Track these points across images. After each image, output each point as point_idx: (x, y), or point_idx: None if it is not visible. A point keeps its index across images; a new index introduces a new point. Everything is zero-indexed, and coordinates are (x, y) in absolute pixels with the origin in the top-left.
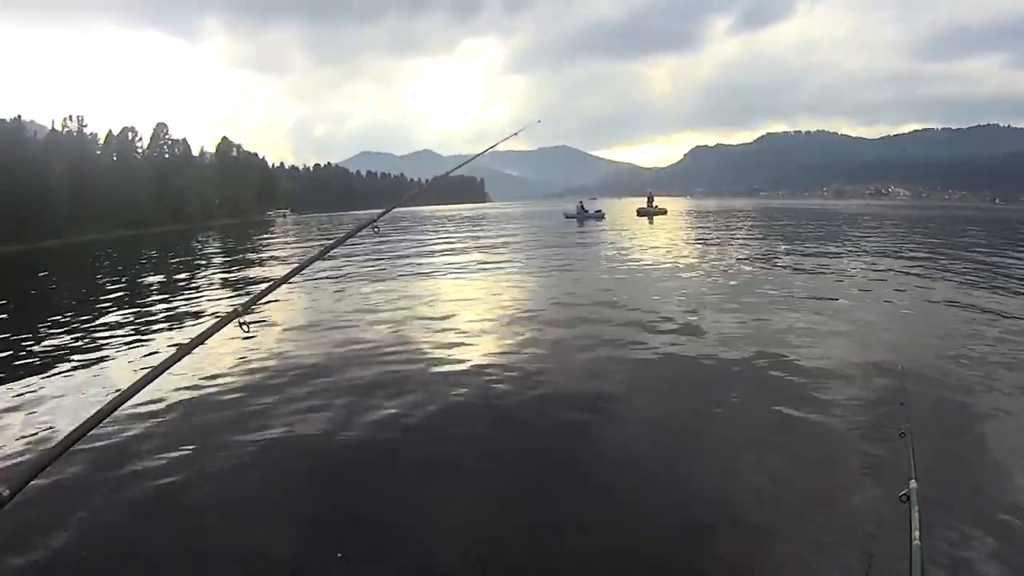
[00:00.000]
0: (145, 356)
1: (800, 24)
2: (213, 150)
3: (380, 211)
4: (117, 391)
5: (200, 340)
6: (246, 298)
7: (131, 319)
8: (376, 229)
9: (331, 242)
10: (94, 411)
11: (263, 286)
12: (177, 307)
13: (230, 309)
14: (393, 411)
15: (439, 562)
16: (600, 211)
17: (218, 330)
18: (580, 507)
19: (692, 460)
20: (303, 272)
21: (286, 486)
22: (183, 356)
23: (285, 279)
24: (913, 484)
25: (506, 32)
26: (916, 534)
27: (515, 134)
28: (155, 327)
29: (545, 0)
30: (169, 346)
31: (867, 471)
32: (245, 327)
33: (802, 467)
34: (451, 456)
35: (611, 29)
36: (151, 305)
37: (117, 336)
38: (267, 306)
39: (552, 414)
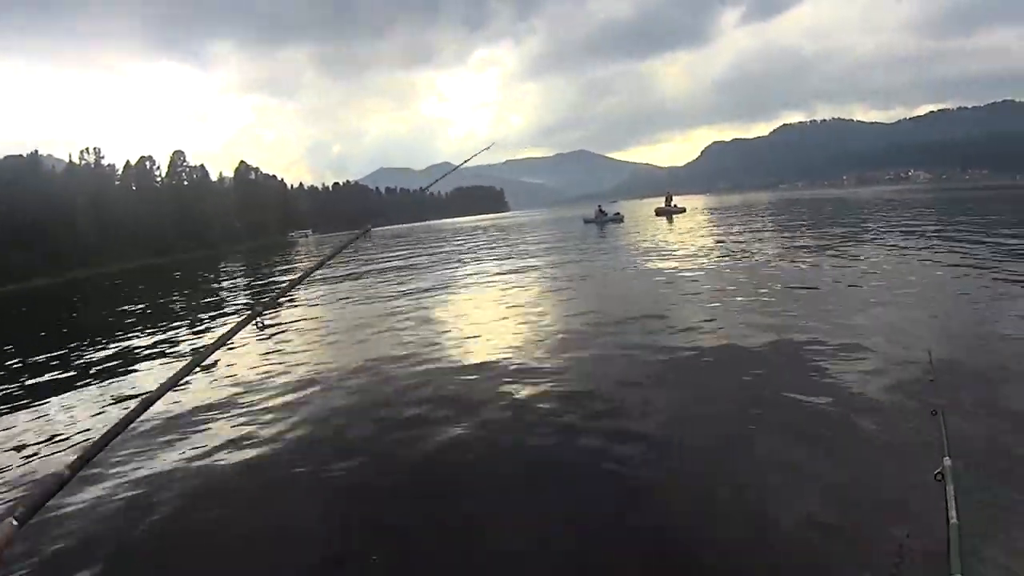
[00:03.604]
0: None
1: (810, 9)
2: (231, 175)
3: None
4: (146, 392)
5: (222, 342)
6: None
7: (161, 339)
8: (369, 238)
9: (330, 252)
10: (123, 414)
11: (280, 287)
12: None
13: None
14: (417, 416)
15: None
16: (619, 213)
17: (238, 331)
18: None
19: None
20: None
21: (313, 490)
22: (208, 356)
23: (296, 282)
24: (947, 462)
25: (518, 39)
26: (952, 512)
27: (483, 151)
28: (184, 343)
29: (555, 3)
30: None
31: (901, 450)
32: (260, 325)
33: (835, 447)
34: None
35: (622, 29)
36: (180, 327)
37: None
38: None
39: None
